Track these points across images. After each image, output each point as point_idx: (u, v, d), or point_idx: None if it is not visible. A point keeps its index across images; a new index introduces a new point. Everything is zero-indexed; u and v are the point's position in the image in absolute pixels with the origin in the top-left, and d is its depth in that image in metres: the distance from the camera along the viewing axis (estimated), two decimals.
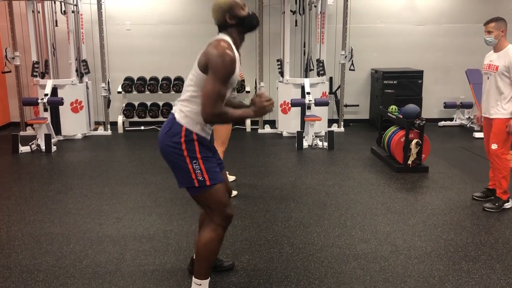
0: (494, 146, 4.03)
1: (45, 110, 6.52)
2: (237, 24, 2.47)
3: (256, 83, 7.66)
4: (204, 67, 2.36)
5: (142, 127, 7.74)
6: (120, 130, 7.57)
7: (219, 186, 2.49)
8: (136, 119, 7.69)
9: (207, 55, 2.35)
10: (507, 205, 4.15)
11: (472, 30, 7.99)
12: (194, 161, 2.42)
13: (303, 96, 6.91)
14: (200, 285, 2.58)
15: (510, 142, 4.05)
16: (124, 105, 7.68)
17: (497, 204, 4.11)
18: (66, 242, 3.49)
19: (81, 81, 7.25)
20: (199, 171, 2.42)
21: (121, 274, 3.01)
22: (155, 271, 3.05)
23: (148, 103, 7.72)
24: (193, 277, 2.60)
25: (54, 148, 6.29)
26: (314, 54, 7.56)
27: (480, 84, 7.50)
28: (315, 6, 7.43)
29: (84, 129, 7.23)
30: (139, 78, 7.66)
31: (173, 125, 2.44)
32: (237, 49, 2.46)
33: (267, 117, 7.88)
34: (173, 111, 2.52)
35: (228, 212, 2.52)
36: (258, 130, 7.60)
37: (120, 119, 7.59)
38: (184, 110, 2.45)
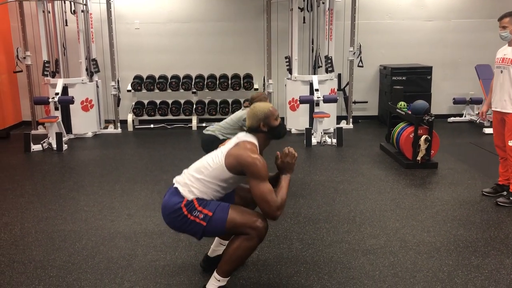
0: (511, 143, 3.97)
1: (56, 109, 6.59)
2: (268, 131, 2.66)
3: (264, 81, 7.68)
4: (236, 171, 2.52)
5: (152, 125, 7.80)
6: (130, 128, 7.63)
7: (232, 211, 2.54)
8: (145, 117, 7.75)
9: (239, 162, 2.49)
10: None
11: (481, 25, 7.93)
12: (194, 212, 2.53)
13: (311, 93, 6.92)
14: (219, 281, 2.63)
15: None
16: (133, 103, 7.74)
17: (510, 198, 4.09)
18: (79, 238, 3.54)
19: (91, 80, 7.31)
20: (199, 213, 2.53)
21: (133, 269, 3.06)
22: (166, 266, 3.10)
23: (158, 101, 7.77)
24: (215, 271, 2.64)
25: (65, 147, 6.36)
26: (323, 51, 7.55)
27: (489, 80, 7.49)
28: (323, 3, 7.42)
29: (94, 128, 7.31)
30: (148, 77, 7.71)
31: (175, 196, 2.59)
32: (260, 152, 2.64)
33: None
34: (176, 183, 2.65)
35: (259, 225, 2.52)
36: None
37: (130, 117, 7.65)
38: (190, 184, 2.58)
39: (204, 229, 2.53)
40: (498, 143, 4.24)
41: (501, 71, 4.07)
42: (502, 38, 4.03)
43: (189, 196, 2.55)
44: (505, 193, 4.21)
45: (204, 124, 7.70)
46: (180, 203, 2.54)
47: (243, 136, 2.65)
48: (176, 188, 2.62)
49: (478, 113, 7.63)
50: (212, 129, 4.44)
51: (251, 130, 2.67)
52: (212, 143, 4.10)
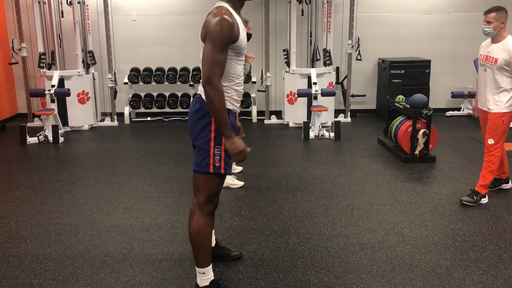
0: (490, 141, 3.91)
1: (52, 101, 6.54)
2: None
3: (262, 73, 7.64)
4: (205, 37, 2.31)
5: (149, 118, 7.76)
6: (127, 121, 7.59)
7: (223, 179, 2.55)
8: (142, 110, 7.71)
9: (205, 24, 2.32)
10: (484, 200, 4.02)
11: (480, 19, 7.75)
12: (217, 147, 2.41)
13: (309, 86, 6.88)
14: (204, 273, 2.58)
15: (505, 136, 3.93)
16: (130, 96, 7.70)
17: (475, 197, 3.98)
18: (75, 232, 3.52)
19: (87, 72, 7.26)
20: (218, 157, 2.42)
21: (129, 263, 3.04)
22: (162, 260, 3.08)
23: (155, 94, 7.73)
24: (196, 267, 2.60)
25: (61, 139, 6.32)
26: (321, 44, 7.51)
27: None
28: None
29: (91, 120, 7.26)
30: (145, 69, 7.66)
31: (202, 104, 2.41)
32: (238, 14, 2.41)
33: (273, 107, 7.88)
34: (199, 91, 2.48)
35: (216, 201, 2.58)
36: (265, 120, 7.59)
37: (126, 110, 7.61)
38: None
39: (204, 169, 2.42)
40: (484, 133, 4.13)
41: (485, 70, 3.93)
42: (485, 33, 3.86)
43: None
44: (471, 191, 4.07)
45: None
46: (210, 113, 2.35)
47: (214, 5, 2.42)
48: (200, 95, 2.44)
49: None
50: None
51: None
52: None
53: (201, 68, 2.29)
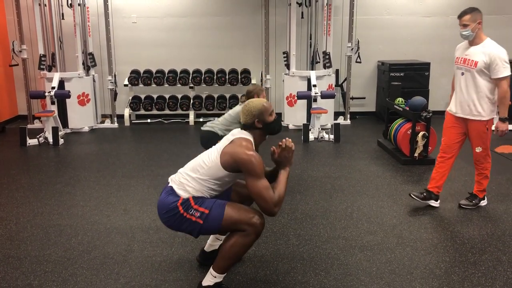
0: (478, 149, 3.79)
1: (52, 103, 6.55)
2: (263, 128, 2.63)
3: (262, 76, 7.65)
4: (231, 168, 2.49)
5: (149, 120, 7.76)
6: (127, 123, 7.60)
7: (228, 208, 2.52)
8: (142, 112, 7.71)
9: (235, 159, 2.47)
10: (482, 203, 4.01)
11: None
12: (190, 210, 2.51)
13: (309, 88, 6.89)
14: (216, 277, 2.62)
15: (489, 141, 3.81)
16: (130, 98, 7.70)
17: (474, 201, 3.97)
18: (74, 233, 3.52)
19: (87, 74, 7.27)
20: (195, 211, 2.50)
21: (129, 265, 3.04)
22: (162, 262, 3.08)
23: (155, 96, 7.73)
24: (211, 267, 2.64)
25: (61, 141, 6.33)
26: (321, 47, 7.52)
27: None
28: None
29: (91, 122, 7.27)
30: (145, 71, 7.67)
31: (170, 195, 2.56)
32: (256, 148, 2.62)
33: None
34: (171, 181, 2.63)
35: (255, 221, 2.51)
36: None
37: (126, 112, 7.62)
38: (185, 183, 2.56)
39: (201, 227, 2.52)
40: (445, 143, 3.96)
41: (462, 73, 3.74)
42: (463, 37, 3.70)
43: (184, 195, 2.53)
44: (470, 195, 4.04)
45: (201, 120, 7.67)
46: (176, 202, 2.52)
47: (238, 133, 2.62)
48: (171, 187, 2.60)
49: None
50: (211, 125, 4.42)
51: (246, 127, 2.64)
52: (211, 139, 4.07)
53: (257, 201, 2.48)
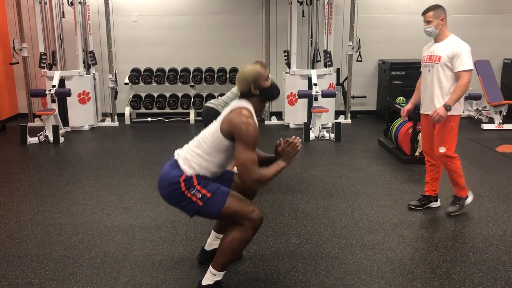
0: (442, 149, 3.63)
1: (53, 101, 6.55)
2: (260, 94, 2.58)
3: None
4: (229, 135, 2.47)
5: (149, 119, 7.76)
6: (127, 122, 7.59)
7: (230, 198, 2.51)
8: (143, 110, 7.70)
9: (231, 124, 2.44)
10: (468, 201, 3.85)
11: (481, 20, 7.90)
12: (191, 189, 2.49)
13: (310, 87, 6.89)
14: (215, 275, 2.62)
15: (455, 139, 3.68)
16: (131, 96, 7.70)
17: (458, 204, 3.81)
18: (75, 232, 3.52)
19: (88, 72, 7.26)
20: (197, 192, 2.49)
21: (129, 263, 3.04)
22: (163, 261, 3.08)
23: (155, 95, 7.73)
24: (211, 265, 2.63)
25: (61, 139, 6.32)
26: (321, 45, 7.51)
27: (488, 76, 7.48)
28: None
29: (91, 121, 7.26)
30: (146, 70, 7.66)
31: (174, 169, 2.53)
32: (257, 116, 2.57)
33: (273, 108, 7.89)
34: (176, 155, 2.60)
35: (254, 216, 2.50)
36: (265, 122, 7.59)
37: (127, 110, 7.61)
38: (190, 159, 2.54)
39: (199, 209, 2.50)
40: (426, 149, 3.90)
41: (429, 70, 3.70)
42: (427, 34, 3.70)
43: (188, 171, 2.50)
44: (452, 198, 3.87)
45: (201, 119, 7.66)
46: (179, 177, 2.49)
47: (236, 103, 2.58)
48: (176, 160, 2.56)
49: (479, 108, 7.66)
50: (215, 102, 4.45)
51: (243, 95, 2.60)
52: (213, 117, 4.04)
53: (239, 170, 2.43)
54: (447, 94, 3.59)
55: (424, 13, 3.73)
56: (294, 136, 2.64)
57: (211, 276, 2.62)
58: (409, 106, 4.06)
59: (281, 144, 2.65)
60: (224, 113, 2.59)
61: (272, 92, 2.63)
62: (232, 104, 2.62)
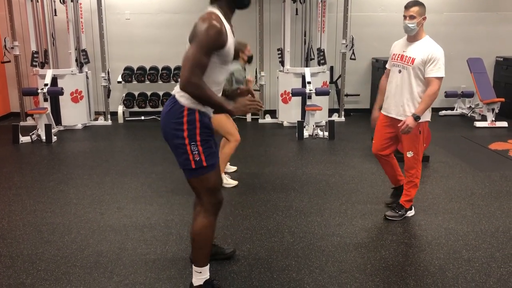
0: (409, 154, 3.54)
1: (45, 100, 6.50)
2: None
3: (256, 72, 7.63)
4: (192, 40, 2.32)
5: (143, 117, 7.73)
6: (121, 120, 7.56)
7: (213, 172, 2.49)
8: (136, 109, 7.67)
9: (195, 27, 2.32)
10: (409, 213, 3.74)
11: (474, 18, 7.93)
12: (193, 143, 2.41)
13: (303, 85, 6.89)
14: (201, 272, 2.61)
15: (422, 146, 3.61)
16: (124, 95, 7.66)
17: (399, 212, 3.69)
18: (68, 231, 3.50)
19: (81, 71, 7.21)
20: (196, 152, 2.42)
21: (123, 263, 3.03)
22: (156, 260, 3.07)
23: (148, 93, 7.70)
24: (193, 265, 2.62)
25: (54, 138, 6.28)
26: (315, 43, 7.52)
27: (481, 73, 7.52)
28: None
29: (84, 119, 7.22)
30: (139, 68, 7.63)
31: (174, 105, 2.42)
32: (228, 21, 2.42)
33: (267, 107, 7.88)
34: (173, 92, 2.48)
35: (219, 197, 2.55)
36: (259, 120, 7.58)
37: (120, 109, 7.58)
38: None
39: (190, 169, 2.44)
40: (375, 150, 3.82)
41: (399, 71, 3.50)
42: (407, 30, 3.44)
43: (186, 102, 2.37)
44: (395, 205, 3.77)
45: None
46: (183, 110, 2.37)
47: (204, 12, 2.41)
48: (173, 96, 2.44)
49: (472, 106, 7.69)
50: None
51: (212, 1, 2.45)
52: None
53: (183, 68, 2.26)
54: (417, 100, 3.44)
55: (408, 7, 3.43)
56: (261, 102, 2.52)
57: (196, 274, 2.61)
58: (376, 113, 3.82)
59: (239, 90, 2.58)
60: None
61: None
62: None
